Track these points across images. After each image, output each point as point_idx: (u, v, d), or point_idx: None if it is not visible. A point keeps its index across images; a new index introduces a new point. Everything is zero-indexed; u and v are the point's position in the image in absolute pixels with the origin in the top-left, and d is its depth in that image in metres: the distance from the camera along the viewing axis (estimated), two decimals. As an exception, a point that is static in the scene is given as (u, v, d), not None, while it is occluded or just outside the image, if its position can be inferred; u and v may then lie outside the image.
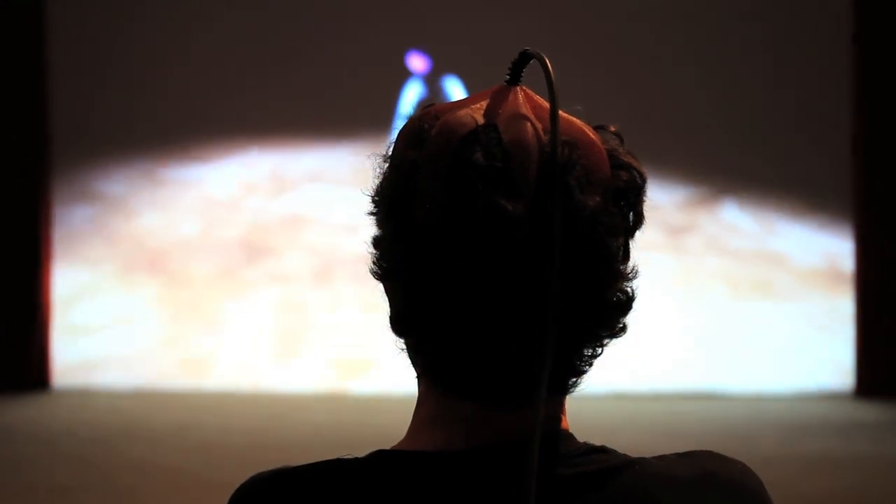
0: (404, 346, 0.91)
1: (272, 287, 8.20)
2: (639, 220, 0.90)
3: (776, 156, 7.93)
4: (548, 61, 0.86)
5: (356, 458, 0.90)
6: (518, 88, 0.90)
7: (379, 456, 0.90)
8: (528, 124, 0.86)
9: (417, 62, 7.92)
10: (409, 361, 0.92)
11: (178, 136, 8.25)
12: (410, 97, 7.92)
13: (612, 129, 0.92)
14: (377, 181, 0.91)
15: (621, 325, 0.89)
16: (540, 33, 7.42)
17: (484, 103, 0.88)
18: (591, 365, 0.89)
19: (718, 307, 8.03)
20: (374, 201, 0.91)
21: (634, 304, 0.89)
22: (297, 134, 8.22)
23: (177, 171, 8.33)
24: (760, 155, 7.91)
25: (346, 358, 7.99)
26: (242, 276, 8.24)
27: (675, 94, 7.90)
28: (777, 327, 8.03)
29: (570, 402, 0.93)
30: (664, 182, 7.79)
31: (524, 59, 0.90)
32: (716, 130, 7.91)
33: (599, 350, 0.89)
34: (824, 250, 8.10)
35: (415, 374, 0.93)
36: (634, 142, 0.92)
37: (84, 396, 7.85)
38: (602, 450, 0.91)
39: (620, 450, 0.92)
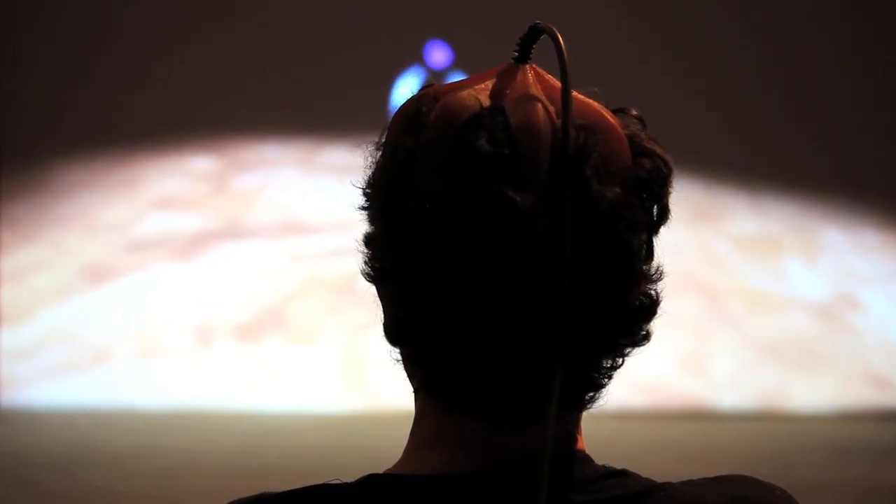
0: (400, 357, 0.92)
1: (245, 296, 8.21)
2: (663, 215, 0.90)
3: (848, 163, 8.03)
4: (559, 36, 0.87)
5: (346, 484, 0.90)
6: (527, 67, 0.90)
7: (371, 480, 0.90)
8: (539, 106, 0.86)
9: (438, 55, 7.95)
10: (405, 374, 0.93)
11: (137, 133, 8.30)
12: (406, 87, 7.94)
13: (634, 112, 0.92)
14: (369, 172, 0.91)
15: (644, 333, 0.89)
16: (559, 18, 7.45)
17: (489, 83, 0.88)
18: (610, 377, 0.89)
19: (759, 320, 8.04)
20: (365, 194, 0.91)
21: (659, 309, 0.89)
22: (254, 133, 8.28)
23: (133, 168, 8.36)
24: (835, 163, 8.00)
25: (334, 372, 7.99)
26: (209, 282, 8.25)
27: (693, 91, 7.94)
28: (822, 341, 8.04)
29: (589, 419, 0.93)
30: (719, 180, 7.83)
31: (534, 34, 0.90)
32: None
33: (619, 360, 0.89)
34: (874, 262, 8.14)
35: (411, 389, 0.93)
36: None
37: (35, 417, 7.84)
38: (623, 473, 0.92)
39: (645, 474, 0.92)
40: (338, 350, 7.92)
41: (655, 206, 0.89)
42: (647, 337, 0.89)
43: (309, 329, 8.15)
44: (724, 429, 7.47)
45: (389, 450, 1.08)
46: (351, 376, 7.84)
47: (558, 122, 0.85)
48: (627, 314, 0.87)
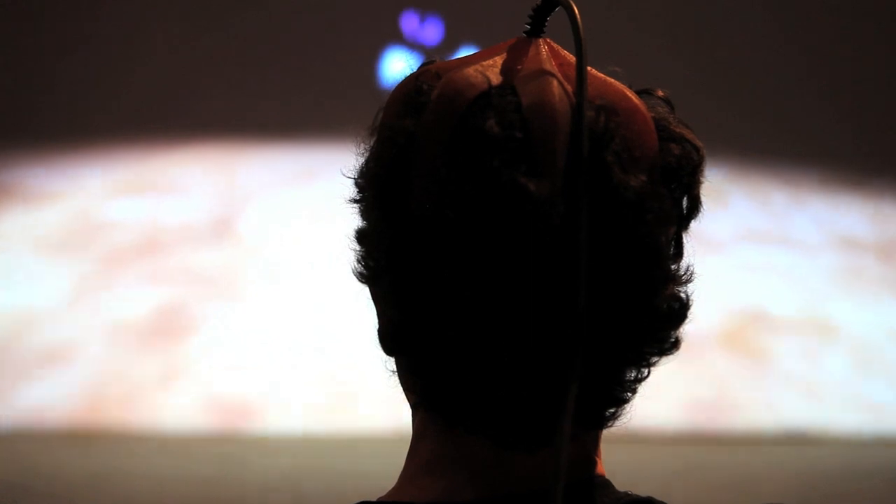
0: (396, 368, 0.92)
1: (205, 300, 8.21)
2: (694, 207, 0.90)
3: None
4: (575, 8, 0.87)
5: (334, 512, 0.91)
6: (541, 41, 0.90)
7: (363, 508, 0.91)
8: (554, 83, 0.86)
9: (411, 24, 7.94)
10: (401, 387, 0.93)
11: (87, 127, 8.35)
12: (396, 66, 7.94)
13: (660, 93, 0.93)
14: (362, 159, 0.92)
15: (673, 340, 0.89)
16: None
17: (498, 59, 0.89)
18: (634, 391, 0.89)
19: (804, 332, 8.04)
20: (358, 184, 0.91)
21: (689, 314, 0.89)
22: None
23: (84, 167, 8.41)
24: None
25: (318, 388, 7.99)
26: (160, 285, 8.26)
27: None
28: (873, 358, 8.04)
29: (613, 443, 0.93)
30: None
31: (548, 5, 0.91)
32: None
33: (645, 372, 0.89)
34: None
35: (409, 404, 0.94)
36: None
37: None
38: (648, 501, 0.92)
39: (672, 503, 0.93)
40: (323, 363, 7.93)
41: (685, 197, 0.90)
42: (675, 345, 0.89)
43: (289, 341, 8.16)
44: (762, 453, 7.47)
45: (383, 474, 1.09)
46: (339, 392, 7.84)
47: (576, 101, 0.85)
48: (654, 320, 0.87)
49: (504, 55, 0.89)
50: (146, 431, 7.56)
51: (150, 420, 7.70)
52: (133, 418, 7.66)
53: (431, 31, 8.11)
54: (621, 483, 0.94)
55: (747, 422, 7.84)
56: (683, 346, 0.89)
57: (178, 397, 7.83)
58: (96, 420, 7.66)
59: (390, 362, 0.92)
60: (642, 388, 0.90)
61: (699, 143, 0.91)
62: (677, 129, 0.90)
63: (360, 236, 0.91)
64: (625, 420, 0.90)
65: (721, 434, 7.66)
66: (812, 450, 7.43)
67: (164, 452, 7.29)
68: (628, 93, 0.89)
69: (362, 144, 0.92)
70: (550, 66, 0.88)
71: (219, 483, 6.48)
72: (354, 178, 0.92)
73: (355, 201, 0.92)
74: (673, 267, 0.89)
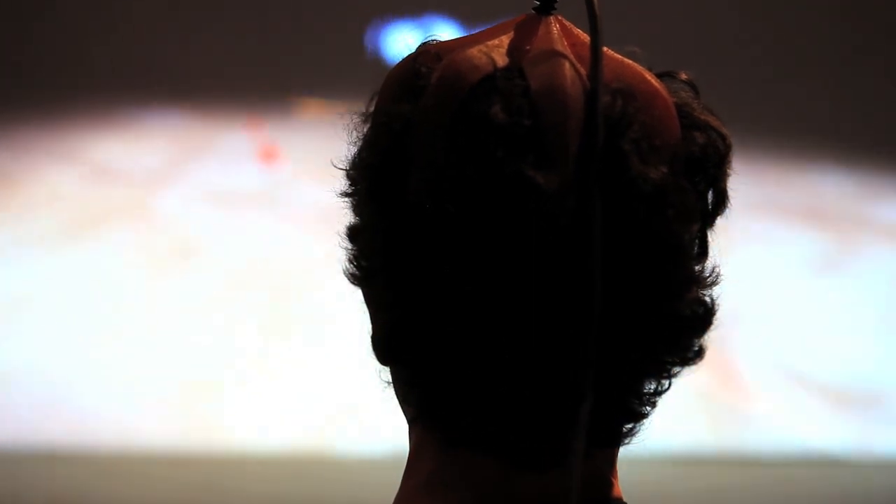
0: (391, 378, 0.92)
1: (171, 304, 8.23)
2: (720, 201, 0.90)
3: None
4: None
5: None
6: (552, 19, 0.90)
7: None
8: (566, 66, 0.86)
9: None
10: (398, 400, 0.93)
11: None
12: (397, 41, 7.95)
13: (683, 76, 0.93)
14: (355, 148, 0.91)
15: (696, 349, 0.89)
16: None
17: (504, 38, 0.88)
18: (653, 404, 0.89)
19: (852, 345, 8.04)
20: (349, 176, 0.91)
21: (715, 320, 0.89)
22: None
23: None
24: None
25: (306, 401, 8.01)
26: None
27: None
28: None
29: (636, 463, 0.93)
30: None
31: None
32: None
33: (666, 383, 0.89)
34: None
35: (406, 419, 0.93)
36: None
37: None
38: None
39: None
40: (314, 374, 7.95)
41: (710, 191, 0.90)
42: (699, 354, 0.89)
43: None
44: (798, 475, 7.48)
45: (378, 496, 1.09)
46: (329, 408, 7.86)
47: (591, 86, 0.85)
48: (675, 326, 0.87)
49: (511, 34, 0.89)
50: (112, 450, 7.60)
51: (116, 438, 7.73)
52: (98, 435, 7.68)
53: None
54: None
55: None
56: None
57: (148, 413, 7.87)
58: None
59: (385, 373, 0.92)
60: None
61: (726, 132, 0.90)
62: (702, 116, 0.90)
63: (352, 233, 0.91)
64: (643, 437, 0.90)
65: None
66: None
67: (132, 474, 7.32)
68: (648, 76, 0.89)
69: (354, 132, 0.92)
70: (562, 46, 0.88)
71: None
72: (346, 170, 0.92)
73: (347, 195, 0.91)
74: (697, 268, 0.88)
